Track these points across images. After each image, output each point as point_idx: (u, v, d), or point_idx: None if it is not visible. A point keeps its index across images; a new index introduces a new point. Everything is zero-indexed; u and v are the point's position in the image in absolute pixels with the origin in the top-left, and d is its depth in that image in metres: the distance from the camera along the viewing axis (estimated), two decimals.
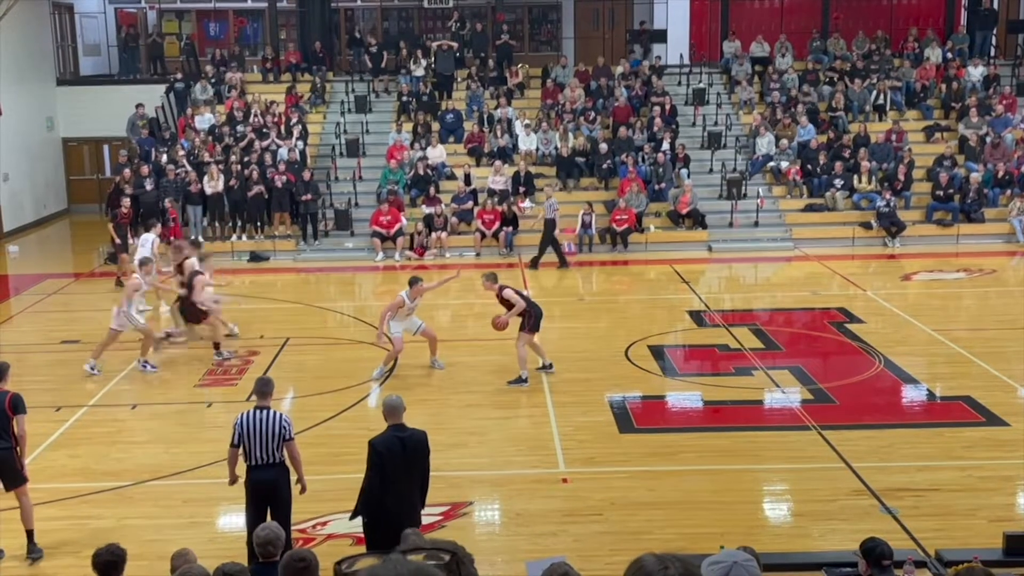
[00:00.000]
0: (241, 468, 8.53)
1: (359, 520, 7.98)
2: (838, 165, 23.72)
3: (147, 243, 17.57)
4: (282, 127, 24.80)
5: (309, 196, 22.34)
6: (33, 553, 9.05)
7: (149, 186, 22.25)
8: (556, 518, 9.58)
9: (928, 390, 13.46)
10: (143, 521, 9.76)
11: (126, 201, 20.22)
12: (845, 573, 7.54)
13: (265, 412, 8.40)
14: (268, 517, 8.16)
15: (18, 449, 8.98)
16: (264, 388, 8.70)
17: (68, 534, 9.49)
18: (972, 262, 20.80)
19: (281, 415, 8.48)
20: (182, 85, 26.96)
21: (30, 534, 9.06)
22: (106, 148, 29.02)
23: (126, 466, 11.10)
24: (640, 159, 24.18)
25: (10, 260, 23.29)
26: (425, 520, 8.32)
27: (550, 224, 20.93)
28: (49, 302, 18.93)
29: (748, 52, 28.09)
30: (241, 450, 8.39)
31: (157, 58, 29.23)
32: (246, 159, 23.35)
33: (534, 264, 20.94)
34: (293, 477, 8.57)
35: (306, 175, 22.56)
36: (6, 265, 22.73)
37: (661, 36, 28.98)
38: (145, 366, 14.43)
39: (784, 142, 24.55)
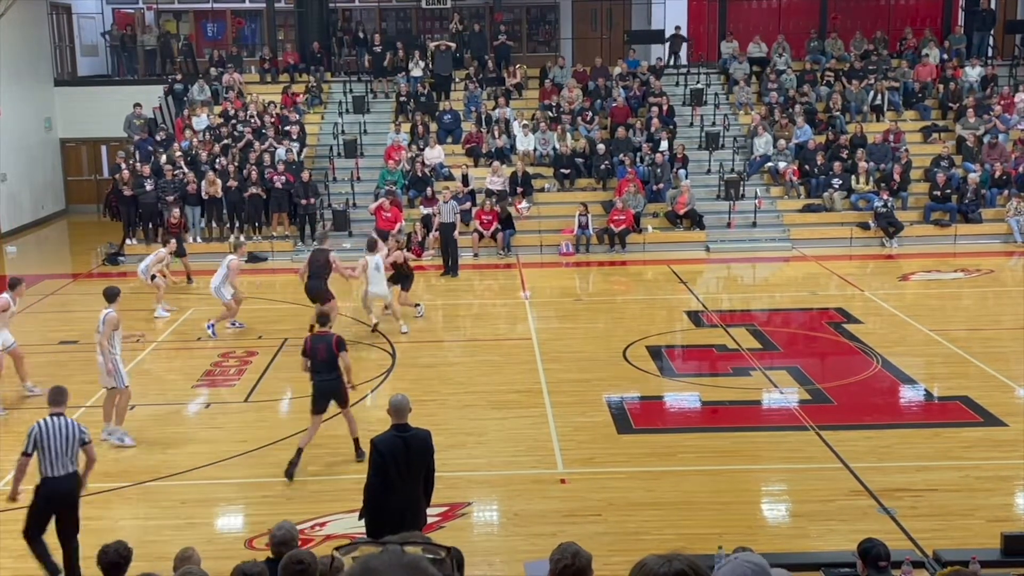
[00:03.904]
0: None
1: (363, 519, 7.99)
2: (836, 165, 23.73)
3: (152, 256, 17.97)
4: (279, 127, 24.78)
5: (306, 200, 22.29)
6: (361, 457, 10.50)
7: (149, 187, 22.27)
8: (554, 518, 9.58)
9: (926, 390, 13.47)
10: (141, 522, 9.76)
11: (175, 212, 20.73)
12: (843, 574, 7.55)
13: (61, 419, 8.48)
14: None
15: (345, 378, 10.97)
16: (58, 397, 8.74)
17: None
18: (970, 262, 20.82)
19: (75, 421, 8.57)
20: (181, 86, 26.95)
21: (356, 441, 10.88)
22: (104, 149, 29.01)
23: (124, 467, 11.10)
24: (638, 159, 24.20)
25: (8, 260, 23.28)
26: None
27: (448, 228, 20.59)
28: (47, 303, 18.92)
29: (746, 52, 28.11)
30: (35, 459, 8.40)
31: (167, 58, 29.17)
32: (245, 160, 23.34)
33: (453, 272, 20.41)
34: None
35: (305, 176, 22.55)
36: (4, 265, 22.71)
37: (659, 36, 28.98)
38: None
39: (782, 142, 24.57)
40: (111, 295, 11.98)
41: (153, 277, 17.61)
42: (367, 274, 15.78)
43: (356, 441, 10.88)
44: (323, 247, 15.80)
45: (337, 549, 2.34)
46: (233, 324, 16.31)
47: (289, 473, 10.50)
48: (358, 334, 16.31)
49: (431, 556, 2.27)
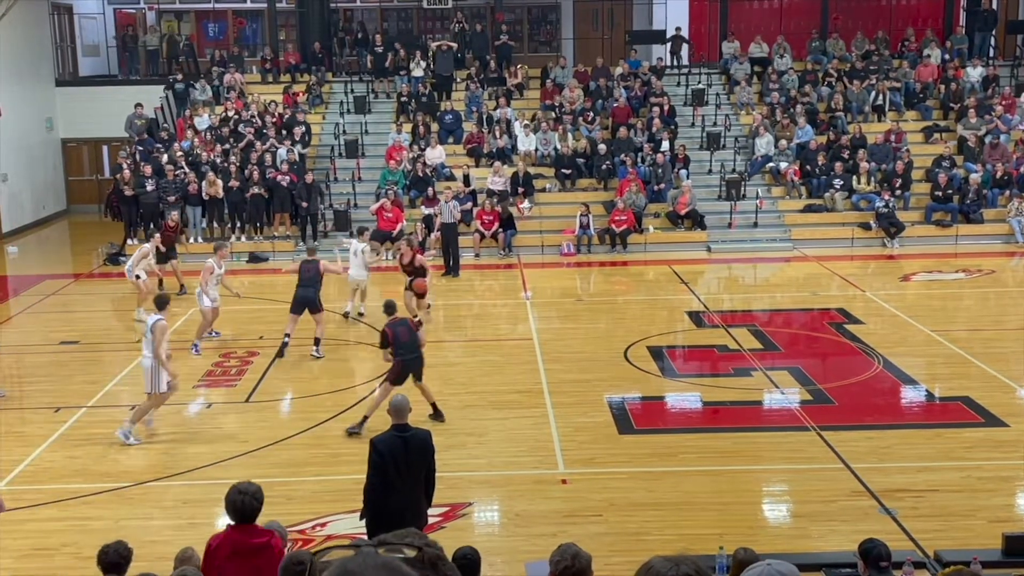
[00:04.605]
0: None
1: (364, 519, 7.98)
2: (837, 166, 23.72)
3: (136, 254, 17.42)
4: (281, 127, 24.77)
5: (305, 204, 22.26)
6: (440, 417, 11.99)
7: (150, 187, 22.28)
8: (555, 519, 9.58)
9: (927, 391, 13.46)
10: (142, 522, 9.75)
11: (174, 215, 19.90)
12: (844, 574, 7.54)
13: None
14: None
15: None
16: None
17: (67, 535, 9.50)
18: (971, 263, 20.81)
19: None
20: (182, 86, 26.96)
21: (434, 404, 12.01)
22: (105, 149, 29.03)
23: (125, 467, 11.10)
24: (640, 159, 24.19)
25: (9, 261, 23.29)
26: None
27: (449, 228, 20.67)
28: (48, 303, 18.93)
29: (747, 53, 28.11)
30: None
31: (173, 58, 29.16)
32: (247, 160, 23.35)
33: (454, 272, 20.49)
34: None
35: (308, 178, 22.50)
36: (5, 266, 22.73)
37: (660, 37, 28.98)
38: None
39: (783, 143, 24.56)
40: (162, 302, 12.17)
41: (138, 276, 17.03)
42: (349, 258, 16.88)
43: (434, 404, 12.10)
44: (312, 259, 15.60)
45: (314, 554, 2.35)
46: (210, 334, 15.84)
47: (437, 416, 11.98)
48: (359, 335, 16.34)
49: (401, 556, 2.28)
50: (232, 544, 6.19)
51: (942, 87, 26.74)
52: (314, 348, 15.04)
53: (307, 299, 15.10)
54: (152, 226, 22.08)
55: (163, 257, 18.77)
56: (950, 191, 23.07)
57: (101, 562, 6.56)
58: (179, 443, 11.80)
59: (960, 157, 24.45)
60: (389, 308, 12.45)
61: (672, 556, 2.67)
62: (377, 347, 12.48)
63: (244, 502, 6.20)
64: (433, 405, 12.06)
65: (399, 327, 11.88)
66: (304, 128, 24.73)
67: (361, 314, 17.07)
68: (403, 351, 11.74)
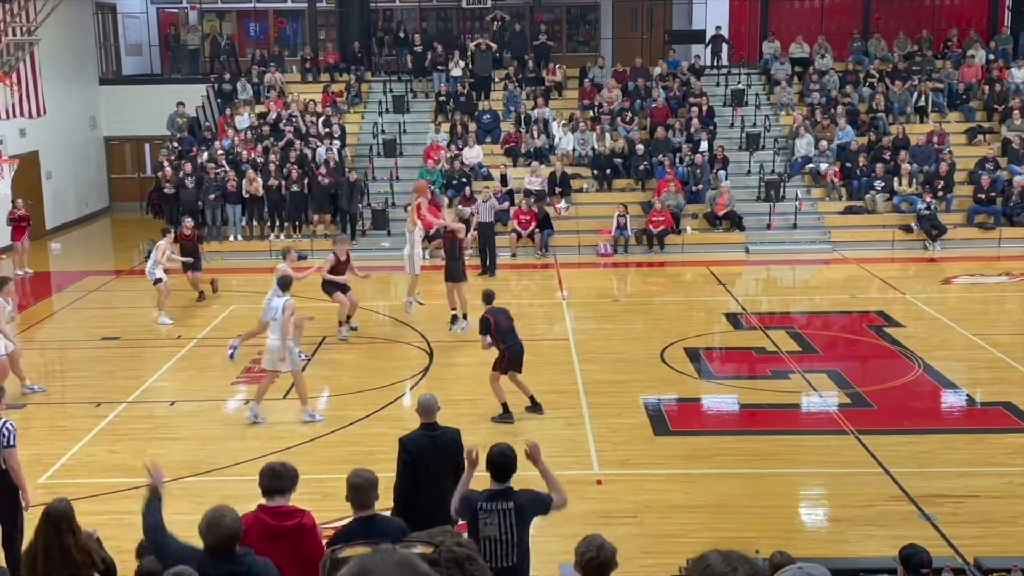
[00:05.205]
0: None
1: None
2: (878, 167, 23.49)
3: (155, 250, 17.26)
4: (320, 127, 24.92)
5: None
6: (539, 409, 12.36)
7: (190, 184, 22.49)
8: (590, 520, 9.54)
9: (968, 395, 13.30)
10: (180, 517, 9.76)
11: (188, 222, 18.82)
12: None
13: None
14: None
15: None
16: None
17: (107, 529, 9.56)
18: (1014, 266, 20.53)
19: (4, 421, 8.24)
20: (229, 86, 27.20)
21: (532, 397, 12.35)
22: (147, 147, 29.36)
23: (164, 462, 11.12)
24: (678, 160, 24.09)
25: (53, 257, 23.60)
26: None
27: (486, 227, 20.68)
28: (90, 299, 19.17)
29: (788, 53, 27.91)
30: None
31: (216, 57, 29.41)
32: (286, 158, 23.50)
33: (491, 272, 20.51)
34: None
35: (352, 176, 22.59)
36: (49, 262, 23.04)
37: (699, 37, 28.84)
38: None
39: (823, 144, 24.36)
40: (286, 283, 12.41)
41: (159, 279, 16.74)
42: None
43: (532, 397, 12.37)
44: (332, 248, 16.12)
45: (333, 551, 2.36)
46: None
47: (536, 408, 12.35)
48: (393, 333, 16.39)
49: (420, 552, 2.29)
50: (263, 526, 6.26)
51: (986, 88, 26.41)
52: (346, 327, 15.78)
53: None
54: (174, 223, 21.75)
55: (186, 264, 18.38)
56: (993, 193, 22.78)
57: (140, 555, 6.63)
58: (217, 439, 11.91)
59: (1004, 159, 24.14)
60: (488, 297, 12.63)
61: (728, 552, 2.62)
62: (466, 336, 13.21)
63: (280, 471, 6.28)
64: (531, 398, 12.35)
65: (499, 315, 12.16)
66: (339, 128, 24.84)
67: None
68: (505, 339, 12.07)
